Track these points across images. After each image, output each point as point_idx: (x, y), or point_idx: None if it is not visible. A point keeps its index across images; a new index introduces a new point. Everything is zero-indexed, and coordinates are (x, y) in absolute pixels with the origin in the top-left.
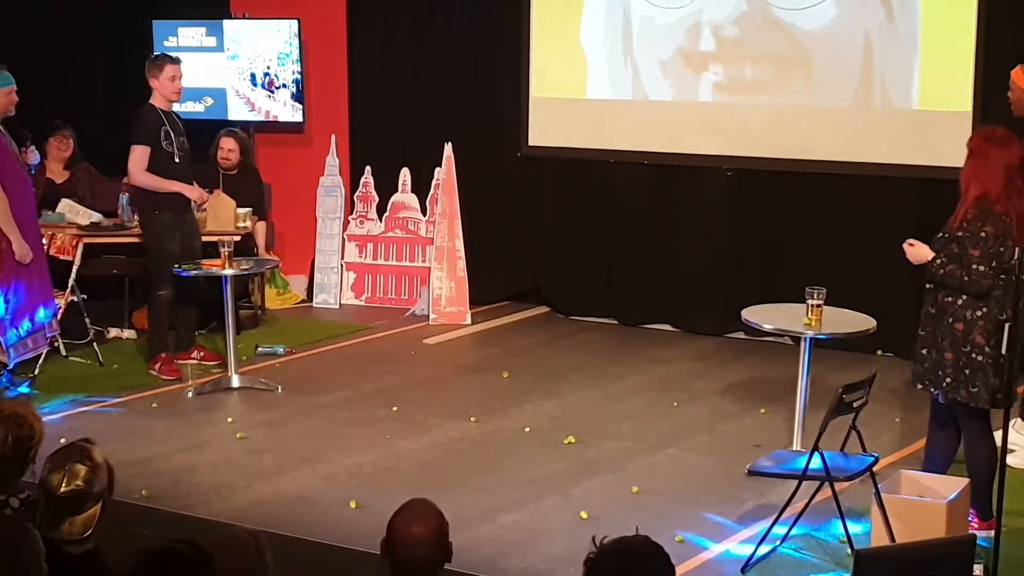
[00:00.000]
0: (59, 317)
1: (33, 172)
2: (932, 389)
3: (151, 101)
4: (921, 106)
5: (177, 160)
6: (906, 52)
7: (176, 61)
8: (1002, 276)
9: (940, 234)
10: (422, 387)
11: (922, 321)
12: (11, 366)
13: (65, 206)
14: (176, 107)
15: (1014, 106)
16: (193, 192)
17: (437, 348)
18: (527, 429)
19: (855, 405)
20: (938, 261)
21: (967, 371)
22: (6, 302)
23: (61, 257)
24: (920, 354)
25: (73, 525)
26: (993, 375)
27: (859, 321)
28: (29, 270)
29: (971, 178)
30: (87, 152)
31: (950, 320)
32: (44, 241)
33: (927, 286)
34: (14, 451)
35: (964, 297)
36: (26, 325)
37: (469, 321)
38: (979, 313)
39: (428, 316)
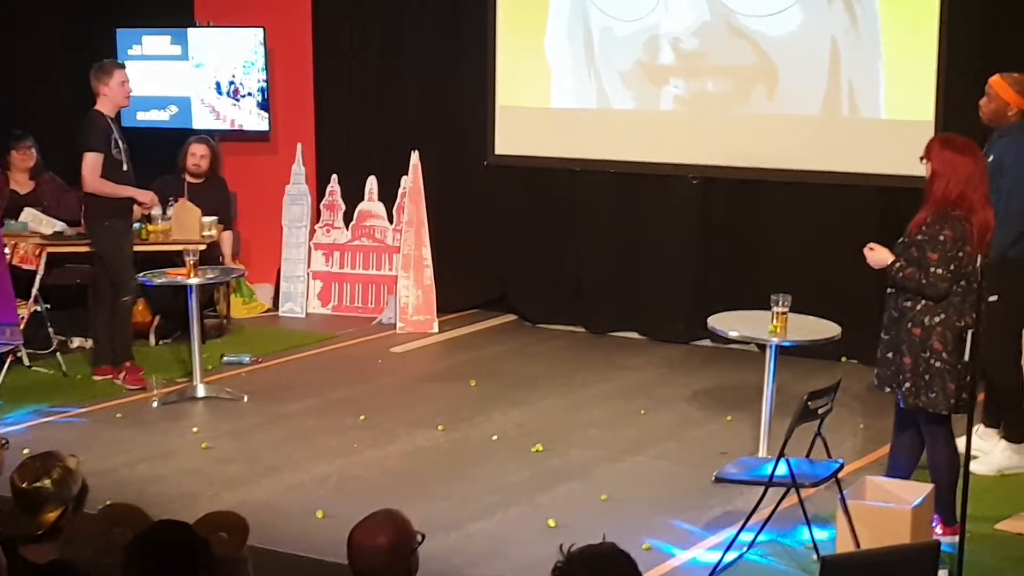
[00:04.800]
0: (22, 327)
1: None
2: (896, 392)
3: (98, 107)
4: (887, 115)
5: (125, 167)
6: (870, 62)
7: (123, 66)
8: (961, 282)
9: (901, 239)
10: (389, 396)
11: (884, 325)
12: None
13: (28, 215)
14: (141, 115)
15: (987, 115)
16: (145, 196)
17: (404, 356)
18: (495, 437)
19: (820, 412)
20: (897, 264)
21: (926, 376)
22: None
23: (24, 267)
24: (884, 358)
25: (39, 523)
26: (951, 381)
27: (824, 328)
28: None
29: (931, 183)
30: (51, 162)
31: (908, 325)
32: (7, 251)
33: (888, 290)
34: None
35: (923, 302)
36: None
37: (436, 329)
38: (937, 319)
39: (395, 325)
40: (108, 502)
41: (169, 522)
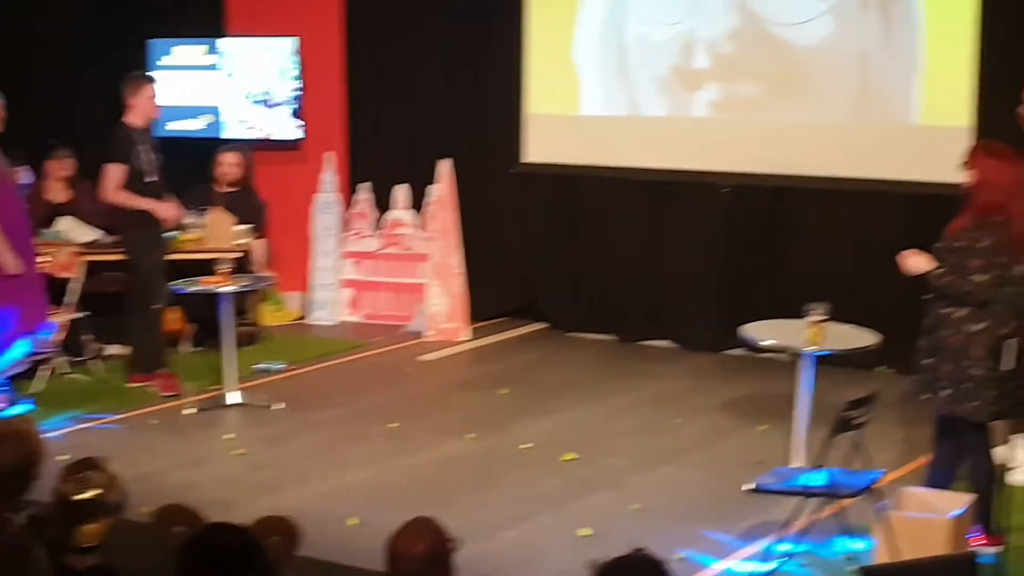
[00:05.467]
0: (61, 335)
1: (24, 192)
2: (934, 400)
3: (126, 119)
4: (921, 121)
5: (150, 178)
6: (904, 67)
7: (154, 80)
8: (1003, 289)
9: (938, 244)
10: (420, 404)
11: (923, 332)
12: None
13: (64, 224)
14: (173, 125)
15: None
16: (164, 210)
17: (434, 364)
18: (525, 446)
19: (858, 422)
20: (936, 271)
21: (965, 385)
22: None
23: (61, 275)
24: (922, 365)
25: (83, 534)
26: (992, 389)
27: (861, 336)
28: (21, 294)
29: (975, 190)
30: (86, 171)
31: (948, 332)
32: (46, 259)
33: (927, 297)
34: (19, 468)
35: (964, 309)
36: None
37: (466, 337)
38: (979, 327)
39: (425, 332)
40: (144, 508)
41: (224, 524)
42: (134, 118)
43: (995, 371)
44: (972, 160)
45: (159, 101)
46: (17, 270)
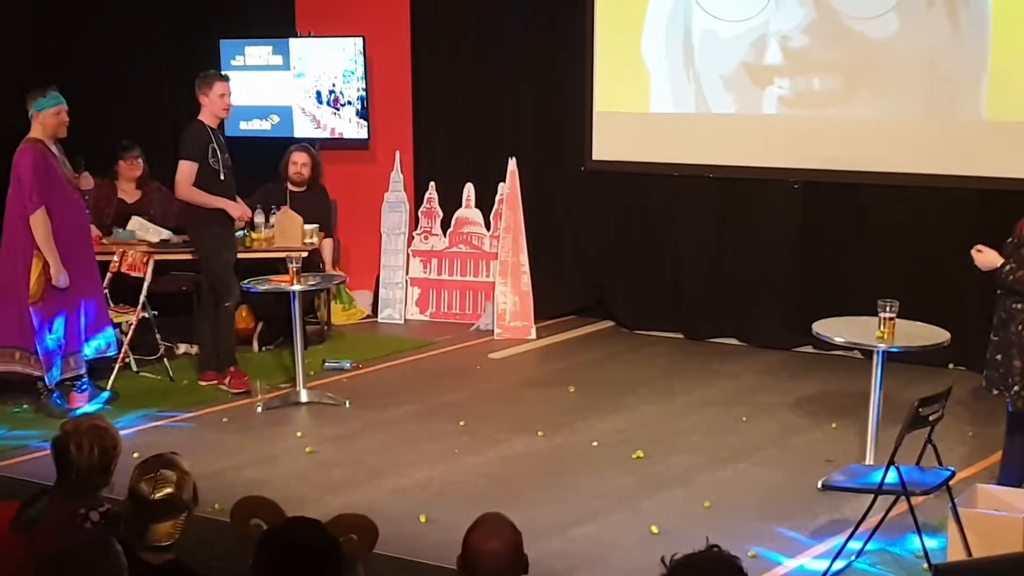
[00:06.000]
0: (129, 335)
1: (87, 197)
2: (1005, 395)
3: (200, 117)
4: (989, 116)
5: (222, 177)
6: (974, 62)
7: (225, 78)
8: None
9: (1010, 239)
10: (488, 402)
11: (994, 327)
12: (51, 383)
13: (135, 224)
14: (244, 125)
15: None
16: (236, 210)
17: (502, 363)
18: (595, 443)
19: (931, 419)
20: (1008, 267)
21: None
22: (49, 330)
23: (132, 274)
24: (993, 360)
25: (157, 533)
26: None
27: (932, 334)
28: (78, 298)
29: None
30: (157, 172)
31: (1019, 327)
32: (115, 258)
33: (997, 292)
34: (98, 462)
35: None
36: (97, 343)
37: (534, 335)
38: None
39: (493, 331)
40: (217, 505)
41: (303, 519)
42: (207, 117)
43: None
44: None
45: (231, 99)
46: (64, 284)
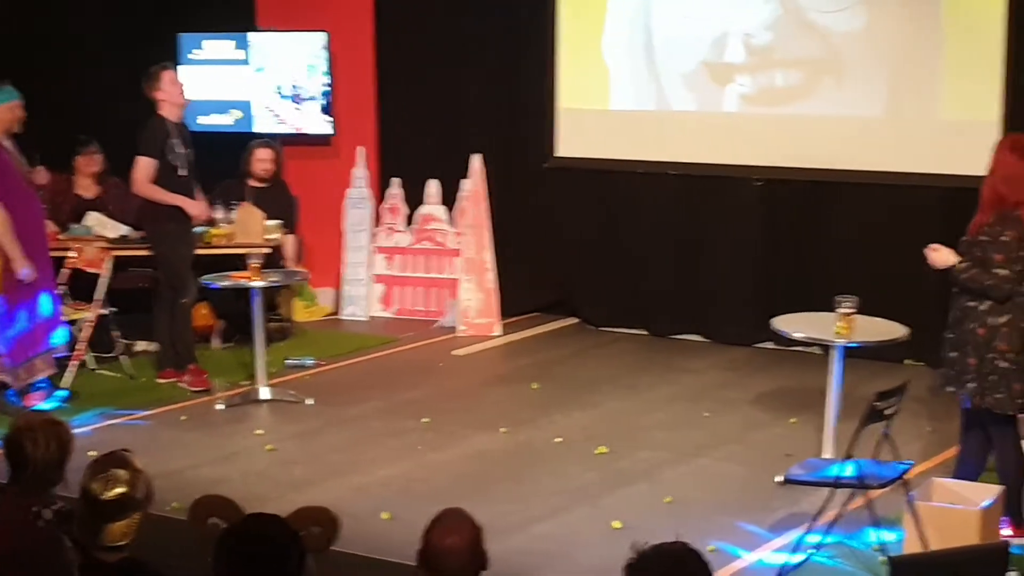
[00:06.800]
0: (85, 332)
1: (41, 193)
2: (960, 393)
3: (160, 112)
4: (949, 115)
5: (181, 173)
6: (933, 60)
7: (169, 66)
8: None
9: (964, 237)
10: (452, 398)
11: (949, 325)
12: (13, 389)
13: (93, 219)
14: (204, 120)
15: None
16: (195, 207)
17: (466, 360)
18: (558, 440)
19: (887, 413)
20: (961, 265)
21: (991, 377)
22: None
23: (89, 270)
24: (948, 358)
25: (111, 532)
26: (1017, 381)
27: (890, 329)
28: (35, 294)
29: (993, 185)
30: (116, 167)
31: (973, 325)
32: (73, 254)
33: (953, 290)
34: (55, 457)
35: (987, 303)
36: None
37: (498, 332)
38: (1002, 319)
39: (457, 328)
40: (175, 504)
41: (262, 515)
42: (166, 111)
43: (1020, 363)
44: (994, 154)
45: (186, 88)
46: (28, 277)
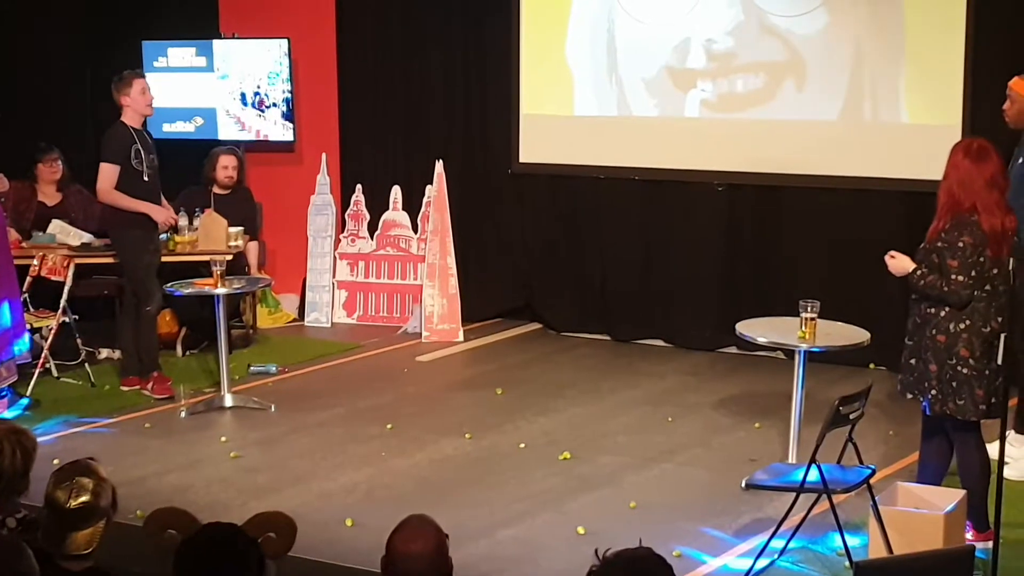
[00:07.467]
0: (49, 340)
1: (2, 200)
2: (920, 399)
3: (122, 119)
4: (911, 119)
5: (146, 179)
6: (894, 65)
7: (142, 75)
8: (985, 287)
9: (922, 245)
10: (416, 404)
11: (908, 332)
12: None
13: (56, 227)
14: (167, 127)
15: (1011, 119)
16: (160, 214)
17: (430, 365)
18: (522, 445)
19: (851, 417)
20: (919, 272)
21: (953, 383)
22: None
23: (52, 278)
24: (908, 364)
25: (76, 541)
26: (979, 387)
27: (853, 334)
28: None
29: (948, 190)
30: (79, 175)
31: (933, 332)
32: (35, 262)
33: (912, 297)
34: (21, 466)
35: (947, 309)
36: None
37: (462, 338)
38: (962, 325)
39: (420, 334)
40: (139, 511)
41: (218, 524)
42: (129, 117)
43: (980, 369)
44: (951, 159)
45: (152, 97)
46: None
